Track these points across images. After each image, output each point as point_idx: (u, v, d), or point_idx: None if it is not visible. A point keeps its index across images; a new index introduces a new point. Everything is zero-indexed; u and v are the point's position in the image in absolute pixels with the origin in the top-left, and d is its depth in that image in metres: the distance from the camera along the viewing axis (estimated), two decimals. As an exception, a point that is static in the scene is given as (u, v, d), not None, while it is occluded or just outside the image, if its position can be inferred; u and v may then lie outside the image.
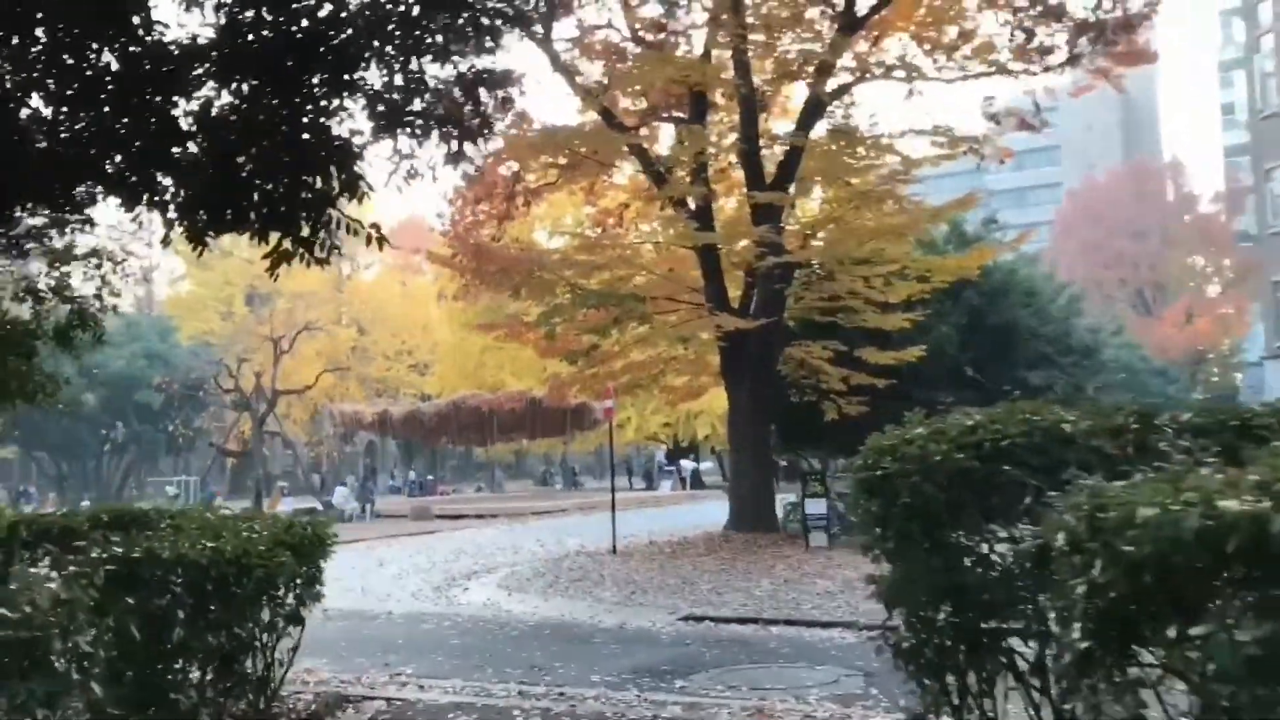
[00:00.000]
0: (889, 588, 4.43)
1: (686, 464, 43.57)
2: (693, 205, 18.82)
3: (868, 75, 19.52)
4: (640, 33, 19.44)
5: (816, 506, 16.31)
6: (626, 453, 63.39)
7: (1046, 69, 19.90)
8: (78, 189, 6.21)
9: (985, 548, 4.15)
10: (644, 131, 19.92)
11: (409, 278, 63.93)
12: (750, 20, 17.58)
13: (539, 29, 19.59)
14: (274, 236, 5.80)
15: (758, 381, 18.53)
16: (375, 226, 5.80)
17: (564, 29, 20.26)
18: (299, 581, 5.70)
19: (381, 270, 64.15)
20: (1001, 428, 4.27)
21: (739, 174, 22.18)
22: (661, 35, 19.31)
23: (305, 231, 5.73)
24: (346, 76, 5.73)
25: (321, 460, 50.04)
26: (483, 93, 6.11)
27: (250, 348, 36.04)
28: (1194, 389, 55.53)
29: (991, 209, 27.62)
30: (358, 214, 6.07)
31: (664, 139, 20.83)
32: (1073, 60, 20.03)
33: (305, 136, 5.71)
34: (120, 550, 4.58)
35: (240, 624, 5.41)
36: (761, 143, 19.61)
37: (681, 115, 19.82)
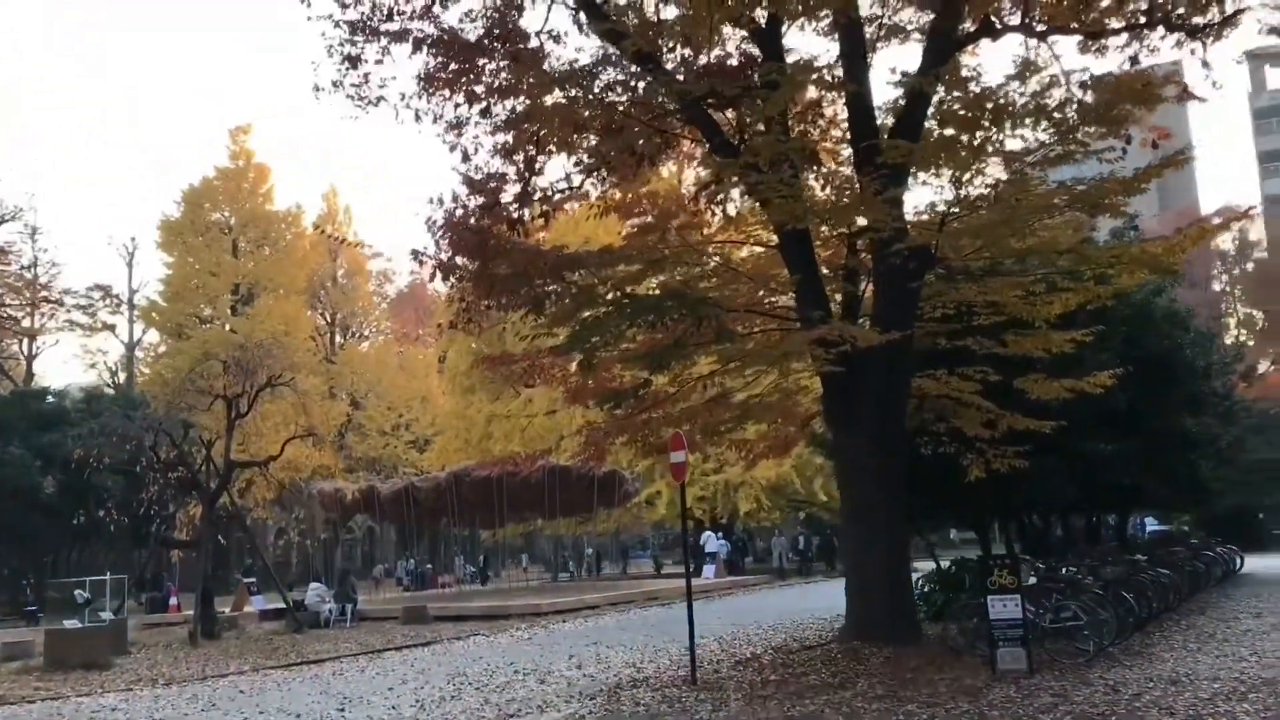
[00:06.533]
0: None
1: (717, 542, 36.59)
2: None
3: (991, 29, 14.41)
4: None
5: (1006, 607, 10.55)
6: (644, 534, 57.20)
7: (1196, 30, 14.96)
8: None
9: None
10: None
11: (407, 348, 59.06)
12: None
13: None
14: None
15: (885, 422, 12.92)
16: None
17: None
18: None
19: (379, 341, 59.23)
20: None
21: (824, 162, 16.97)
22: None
23: None
24: None
25: (306, 549, 44.04)
26: None
27: (211, 412, 30.56)
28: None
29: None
30: None
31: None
32: (1232, 19, 15.11)
33: None
34: None
35: None
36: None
37: (744, 87, 14.45)
